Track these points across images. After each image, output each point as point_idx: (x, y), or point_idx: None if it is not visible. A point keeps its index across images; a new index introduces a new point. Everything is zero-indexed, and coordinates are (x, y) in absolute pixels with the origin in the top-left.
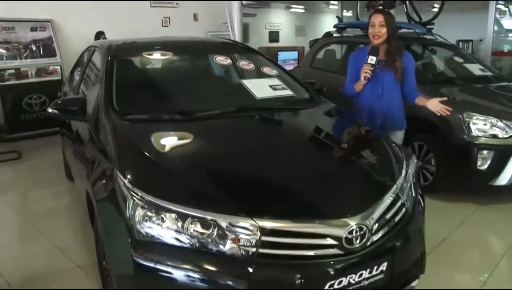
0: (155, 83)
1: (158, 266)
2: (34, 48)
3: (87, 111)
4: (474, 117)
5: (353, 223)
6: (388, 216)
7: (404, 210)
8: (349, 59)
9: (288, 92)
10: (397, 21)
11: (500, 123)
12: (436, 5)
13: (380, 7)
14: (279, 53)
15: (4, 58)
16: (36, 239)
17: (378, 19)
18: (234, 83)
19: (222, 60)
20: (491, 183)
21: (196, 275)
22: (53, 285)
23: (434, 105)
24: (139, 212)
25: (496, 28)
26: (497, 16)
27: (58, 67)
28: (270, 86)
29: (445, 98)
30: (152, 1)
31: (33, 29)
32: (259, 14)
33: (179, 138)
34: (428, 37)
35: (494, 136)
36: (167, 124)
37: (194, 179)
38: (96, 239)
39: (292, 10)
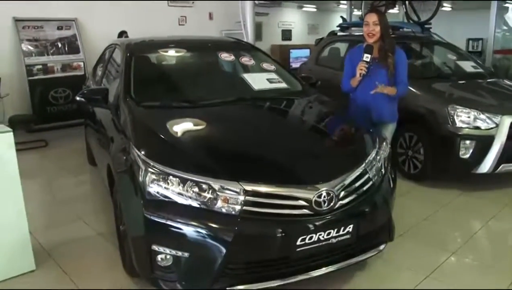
0: (166, 76)
1: (165, 221)
2: (60, 45)
3: (108, 100)
4: (458, 110)
5: (322, 188)
6: (355, 185)
7: (370, 183)
8: (345, 56)
9: (283, 85)
10: (397, 21)
11: (482, 116)
12: (446, 5)
13: (383, 7)
14: (291, 51)
15: (33, 54)
16: (63, 212)
17: (372, 18)
18: (236, 76)
19: (226, 56)
20: (474, 171)
21: (195, 228)
22: (79, 248)
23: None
24: (149, 177)
25: (504, 27)
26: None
27: (82, 63)
28: (267, 79)
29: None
30: (169, 1)
31: (59, 28)
32: (271, 13)
33: (185, 121)
34: (425, 36)
35: (477, 127)
36: (175, 110)
37: (194, 152)
38: (115, 207)
39: (304, 9)
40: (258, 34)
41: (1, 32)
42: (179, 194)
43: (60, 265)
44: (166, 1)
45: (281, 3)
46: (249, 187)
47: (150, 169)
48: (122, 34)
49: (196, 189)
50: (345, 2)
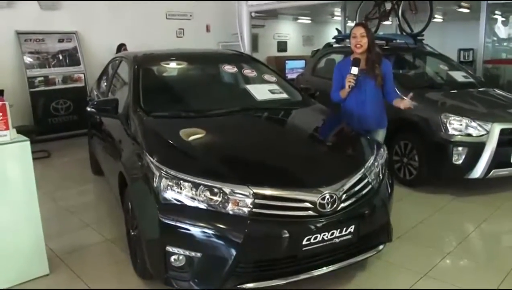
0: (173, 87)
1: (178, 224)
2: (61, 57)
3: (118, 111)
4: (451, 118)
5: (325, 191)
6: (355, 189)
7: (370, 186)
8: (334, 68)
9: (284, 95)
10: (390, 34)
11: (473, 123)
12: (437, 16)
13: (376, 19)
14: (287, 62)
15: (35, 66)
16: (71, 220)
17: (359, 31)
18: (239, 87)
19: (229, 68)
20: (466, 176)
21: (206, 229)
22: (89, 253)
23: (401, 104)
24: (164, 183)
25: (494, 37)
26: (499, 25)
27: (82, 75)
28: (269, 90)
29: (411, 94)
30: (167, 14)
31: (60, 40)
32: (267, 25)
33: (193, 129)
34: (418, 47)
35: (469, 135)
36: (183, 119)
37: (204, 158)
38: (126, 213)
39: (299, 21)
40: (254, 46)
41: (4, 45)
42: (192, 198)
43: (72, 269)
44: (165, 14)
45: (277, 15)
46: (257, 190)
47: (164, 175)
48: (121, 47)
49: (207, 193)
50: (339, 14)
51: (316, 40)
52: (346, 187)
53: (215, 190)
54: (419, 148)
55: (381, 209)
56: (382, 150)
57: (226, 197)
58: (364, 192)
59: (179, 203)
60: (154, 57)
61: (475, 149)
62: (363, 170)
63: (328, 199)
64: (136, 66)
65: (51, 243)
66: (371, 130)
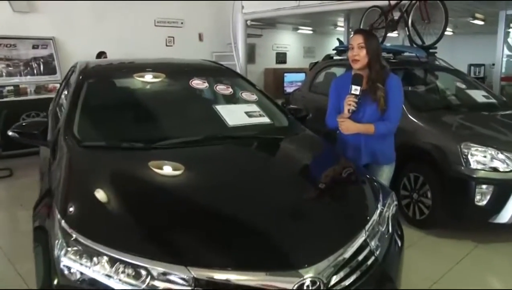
0: (122, 108)
1: None
2: (34, 65)
3: (47, 136)
4: (473, 148)
5: (306, 275)
6: (350, 266)
7: (372, 258)
8: (330, 86)
9: (265, 119)
10: (399, 45)
11: (501, 156)
12: (448, 29)
13: (382, 29)
14: (285, 74)
15: (4, 74)
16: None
17: (356, 40)
18: (207, 109)
19: (198, 84)
20: (491, 220)
21: None
22: None
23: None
24: (67, 252)
25: (508, 52)
26: None
27: (58, 85)
28: (246, 112)
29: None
30: (156, 20)
31: (34, 47)
32: (265, 35)
33: (131, 172)
34: (430, 61)
35: (495, 169)
36: (124, 153)
37: (135, 219)
38: None
39: (299, 31)
40: (251, 57)
41: None
42: (107, 276)
43: None
44: (153, 21)
45: (275, 24)
46: (200, 273)
47: (70, 241)
48: (101, 55)
49: (129, 273)
50: (342, 24)
51: (318, 51)
52: (336, 265)
53: (141, 270)
54: (432, 182)
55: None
56: (390, 199)
57: (153, 281)
58: (363, 267)
59: (87, 284)
60: (107, 68)
61: (503, 187)
62: (363, 234)
63: (308, 285)
64: (80, 78)
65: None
66: (374, 166)
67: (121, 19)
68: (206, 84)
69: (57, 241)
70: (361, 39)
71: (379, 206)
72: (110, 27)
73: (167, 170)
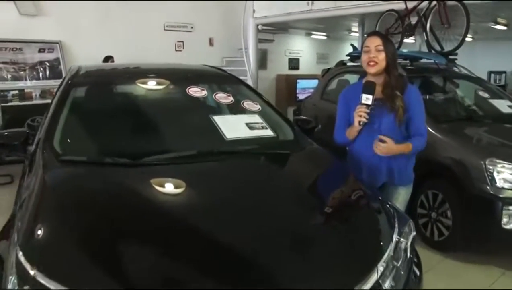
0: (111, 118)
1: None
2: (40, 69)
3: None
4: (499, 165)
5: None
6: None
7: None
8: (339, 96)
9: (268, 132)
10: (415, 51)
11: None
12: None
13: (398, 34)
14: (298, 81)
15: (9, 79)
16: None
17: (374, 42)
18: (203, 119)
19: (196, 91)
20: None
21: None
22: None
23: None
24: None
25: None
26: None
27: None
28: (247, 124)
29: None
30: (165, 24)
31: (41, 50)
32: (277, 40)
33: (111, 195)
34: (450, 68)
35: None
36: (106, 170)
37: (110, 257)
38: None
39: (313, 36)
40: (263, 63)
41: None
42: None
43: None
44: (162, 25)
45: (287, 29)
46: None
47: (26, 278)
48: (108, 59)
49: None
50: (356, 29)
51: (332, 58)
52: None
53: None
54: (453, 201)
55: None
56: (407, 228)
57: None
58: None
59: None
60: (100, 73)
61: None
62: (375, 275)
63: None
64: (67, 85)
65: None
66: (390, 187)
67: (130, 23)
68: (205, 93)
69: (11, 277)
70: (379, 41)
71: (394, 236)
72: (118, 32)
73: (151, 193)
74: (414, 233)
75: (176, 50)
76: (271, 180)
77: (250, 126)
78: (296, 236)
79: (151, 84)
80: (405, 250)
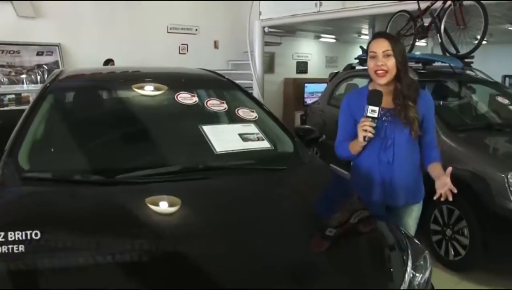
0: (88, 128)
1: None
2: (38, 73)
3: None
4: None
5: None
6: None
7: None
8: (341, 104)
9: (264, 144)
10: (429, 54)
11: None
12: None
13: (410, 36)
14: (306, 85)
15: (5, 82)
16: None
17: (381, 47)
18: (192, 130)
19: (186, 98)
20: None
21: None
22: None
23: (441, 185)
24: None
25: None
26: None
27: None
28: (241, 135)
29: (451, 169)
30: (169, 27)
31: (39, 53)
32: (285, 43)
33: (76, 221)
34: (466, 73)
35: None
36: (74, 189)
37: None
38: None
39: (322, 39)
40: (270, 66)
41: None
42: None
43: None
44: (166, 27)
45: (295, 32)
46: None
47: None
48: (108, 63)
49: None
50: (367, 32)
51: (341, 61)
52: None
53: None
54: (470, 217)
55: None
56: (422, 261)
57: None
58: None
59: None
60: (83, 78)
61: None
62: None
63: None
64: (46, 89)
65: None
66: (399, 207)
67: (132, 26)
68: (196, 99)
69: None
70: (388, 45)
71: (407, 272)
72: (120, 34)
73: (123, 219)
74: (430, 268)
75: (180, 53)
76: (263, 202)
77: (244, 137)
78: (291, 272)
79: (135, 90)
80: (420, 286)
